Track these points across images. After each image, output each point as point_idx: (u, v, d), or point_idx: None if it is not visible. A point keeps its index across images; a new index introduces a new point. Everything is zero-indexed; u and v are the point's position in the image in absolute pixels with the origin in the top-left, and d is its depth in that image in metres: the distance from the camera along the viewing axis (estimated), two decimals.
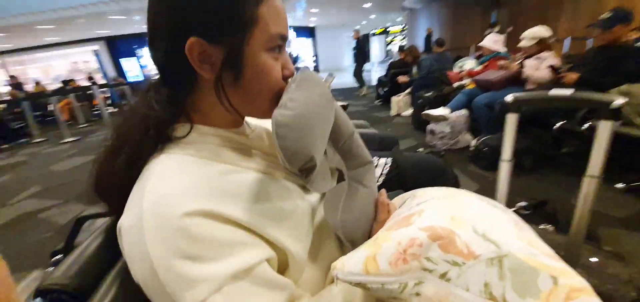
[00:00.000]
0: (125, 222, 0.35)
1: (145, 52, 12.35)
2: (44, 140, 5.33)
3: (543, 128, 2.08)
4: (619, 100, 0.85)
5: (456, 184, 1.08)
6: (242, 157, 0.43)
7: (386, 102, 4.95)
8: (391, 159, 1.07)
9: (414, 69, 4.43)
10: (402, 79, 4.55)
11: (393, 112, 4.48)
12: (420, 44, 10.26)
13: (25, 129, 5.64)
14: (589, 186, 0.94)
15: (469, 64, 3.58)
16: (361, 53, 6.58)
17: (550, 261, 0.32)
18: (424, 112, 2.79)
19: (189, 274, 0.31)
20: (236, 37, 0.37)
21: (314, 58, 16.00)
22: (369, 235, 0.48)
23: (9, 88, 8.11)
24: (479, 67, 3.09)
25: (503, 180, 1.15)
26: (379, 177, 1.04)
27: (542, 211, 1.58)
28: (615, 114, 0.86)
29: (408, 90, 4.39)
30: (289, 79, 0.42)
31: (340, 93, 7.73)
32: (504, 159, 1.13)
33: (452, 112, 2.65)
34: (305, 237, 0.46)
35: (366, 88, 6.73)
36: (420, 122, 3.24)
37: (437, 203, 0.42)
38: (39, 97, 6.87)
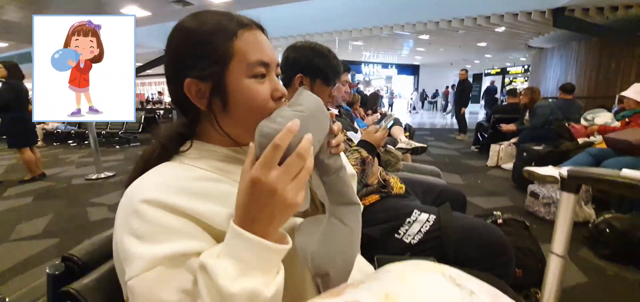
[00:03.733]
0: None
1: None
2: None
3: None
4: None
5: (511, 268, 0.86)
6: (232, 171, 0.47)
7: (485, 149, 4.32)
8: (434, 217, 0.93)
9: (526, 116, 3.76)
10: (506, 128, 3.89)
11: (491, 162, 3.87)
12: (549, 88, 8.60)
13: None
14: None
15: (602, 117, 2.80)
16: (463, 95, 6.04)
17: None
18: (526, 168, 2.30)
19: (130, 249, 0.36)
20: (217, 70, 0.43)
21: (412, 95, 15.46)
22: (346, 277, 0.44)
23: None
24: (616, 124, 2.40)
25: None
26: (416, 235, 0.92)
27: None
28: None
29: (514, 139, 3.74)
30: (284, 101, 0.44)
31: (433, 133, 7.24)
32: None
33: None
34: None
35: (466, 135, 6.09)
36: (522, 180, 2.69)
37: (385, 276, 0.36)
38: None
